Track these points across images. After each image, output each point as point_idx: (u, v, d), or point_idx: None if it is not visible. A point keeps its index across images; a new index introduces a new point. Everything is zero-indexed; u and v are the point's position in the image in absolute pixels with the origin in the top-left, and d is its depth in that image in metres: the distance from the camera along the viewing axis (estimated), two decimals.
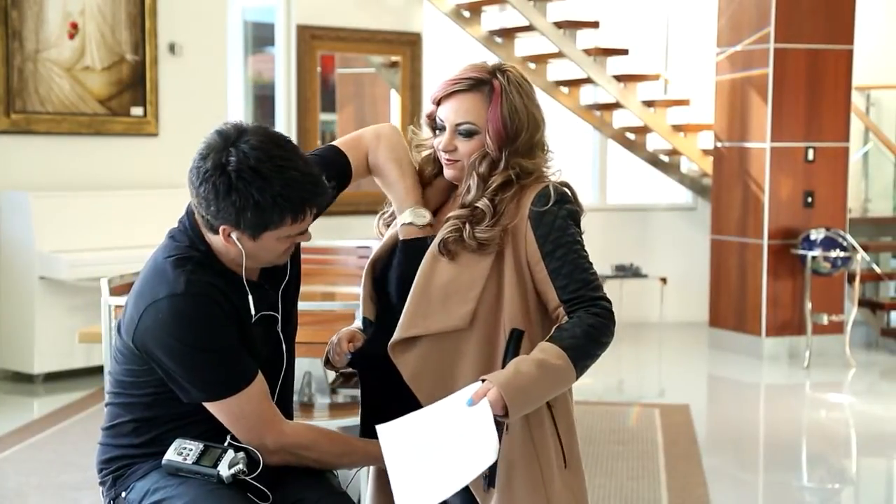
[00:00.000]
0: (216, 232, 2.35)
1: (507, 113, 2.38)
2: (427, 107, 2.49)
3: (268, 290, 2.46)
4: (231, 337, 2.34)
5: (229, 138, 2.29)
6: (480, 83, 2.40)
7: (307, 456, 2.41)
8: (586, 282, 2.33)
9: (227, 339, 2.34)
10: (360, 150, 2.55)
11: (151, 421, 2.42)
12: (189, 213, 2.42)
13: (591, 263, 2.37)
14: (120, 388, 2.45)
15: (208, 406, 2.35)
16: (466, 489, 2.33)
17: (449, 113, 2.41)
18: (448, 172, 2.46)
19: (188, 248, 2.38)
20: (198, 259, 2.37)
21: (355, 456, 2.47)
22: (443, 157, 2.45)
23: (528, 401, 2.25)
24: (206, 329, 2.32)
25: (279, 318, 2.48)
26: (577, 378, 2.31)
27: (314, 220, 2.40)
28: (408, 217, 2.48)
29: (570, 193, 2.41)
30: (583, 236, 2.40)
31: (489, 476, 2.30)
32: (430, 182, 2.54)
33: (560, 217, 2.35)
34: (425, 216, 2.47)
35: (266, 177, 2.26)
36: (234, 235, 2.33)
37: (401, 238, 2.48)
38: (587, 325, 2.29)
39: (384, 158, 2.54)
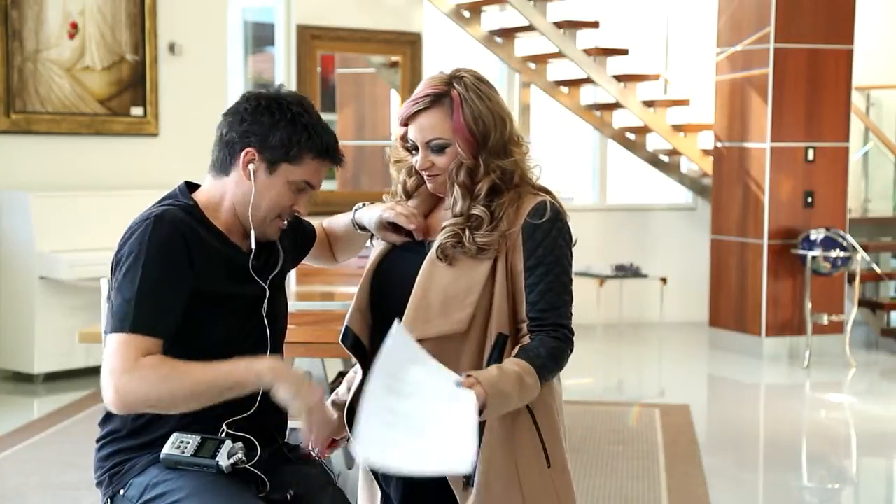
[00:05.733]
0: (228, 169, 2.42)
1: (471, 119, 2.40)
2: (396, 128, 2.52)
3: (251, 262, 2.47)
4: (177, 277, 2.33)
5: (267, 87, 2.48)
6: (439, 97, 2.42)
7: (164, 387, 2.25)
8: (555, 306, 2.38)
9: (171, 274, 2.32)
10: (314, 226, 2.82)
11: None
12: (180, 186, 2.49)
13: (567, 288, 2.41)
14: None
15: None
16: (447, 488, 2.36)
17: (416, 133, 2.44)
18: (431, 185, 2.49)
19: (173, 202, 2.44)
20: (183, 205, 2.42)
21: (220, 368, 2.29)
22: (424, 174, 2.48)
23: (504, 406, 2.30)
24: (159, 248, 2.32)
25: (267, 289, 2.47)
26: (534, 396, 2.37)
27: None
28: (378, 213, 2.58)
29: (561, 210, 2.44)
30: (571, 252, 2.43)
31: (468, 477, 2.33)
32: (413, 192, 2.57)
33: (551, 236, 2.39)
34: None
35: (308, 110, 2.43)
36: (252, 166, 2.39)
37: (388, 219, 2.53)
38: (550, 347, 2.36)
39: (329, 219, 2.85)
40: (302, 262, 2.80)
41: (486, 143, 2.41)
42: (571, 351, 2.42)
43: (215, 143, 2.45)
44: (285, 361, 2.44)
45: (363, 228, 2.67)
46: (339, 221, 2.81)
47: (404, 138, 2.49)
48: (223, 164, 2.44)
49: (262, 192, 2.41)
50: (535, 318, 2.38)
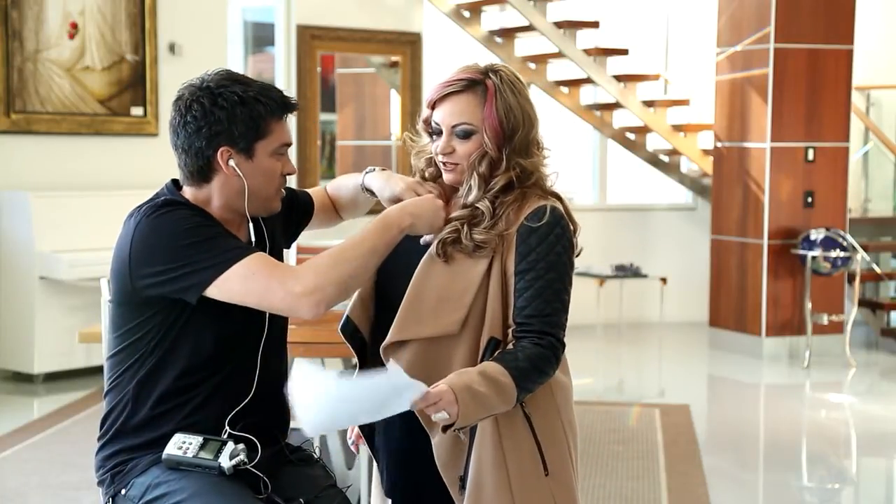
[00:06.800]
0: (208, 176, 2.40)
1: (503, 111, 2.38)
2: (422, 112, 2.48)
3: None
4: (220, 228, 2.38)
5: (190, 83, 2.47)
6: (474, 83, 2.40)
7: (338, 269, 2.29)
8: (543, 313, 2.31)
9: (216, 227, 2.38)
10: (317, 192, 2.81)
11: (146, 396, 2.41)
12: (167, 185, 2.49)
13: (559, 296, 2.33)
14: (114, 367, 2.45)
15: (217, 288, 2.29)
16: (445, 492, 2.35)
17: (444, 115, 2.40)
18: (448, 177, 2.45)
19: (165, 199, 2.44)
20: (176, 201, 2.43)
21: (365, 233, 2.36)
22: (441, 161, 2.44)
23: (476, 399, 2.20)
24: (191, 220, 2.35)
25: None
26: (518, 400, 2.28)
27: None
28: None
29: (565, 216, 2.39)
30: (570, 259, 2.36)
31: (463, 479, 2.32)
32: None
33: (547, 241, 2.33)
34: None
35: (244, 82, 2.44)
36: (232, 162, 2.38)
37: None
38: (529, 353, 2.28)
39: (335, 181, 2.82)
40: (306, 229, 2.80)
41: (512, 138, 2.39)
42: (557, 361, 2.33)
43: (181, 157, 2.42)
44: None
45: (373, 194, 2.64)
46: (347, 184, 2.75)
47: (427, 122, 2.45)
48: (200, 173, 2.41)
49: (253, 179, 2.41)
50: (521, 323, 2.32)
